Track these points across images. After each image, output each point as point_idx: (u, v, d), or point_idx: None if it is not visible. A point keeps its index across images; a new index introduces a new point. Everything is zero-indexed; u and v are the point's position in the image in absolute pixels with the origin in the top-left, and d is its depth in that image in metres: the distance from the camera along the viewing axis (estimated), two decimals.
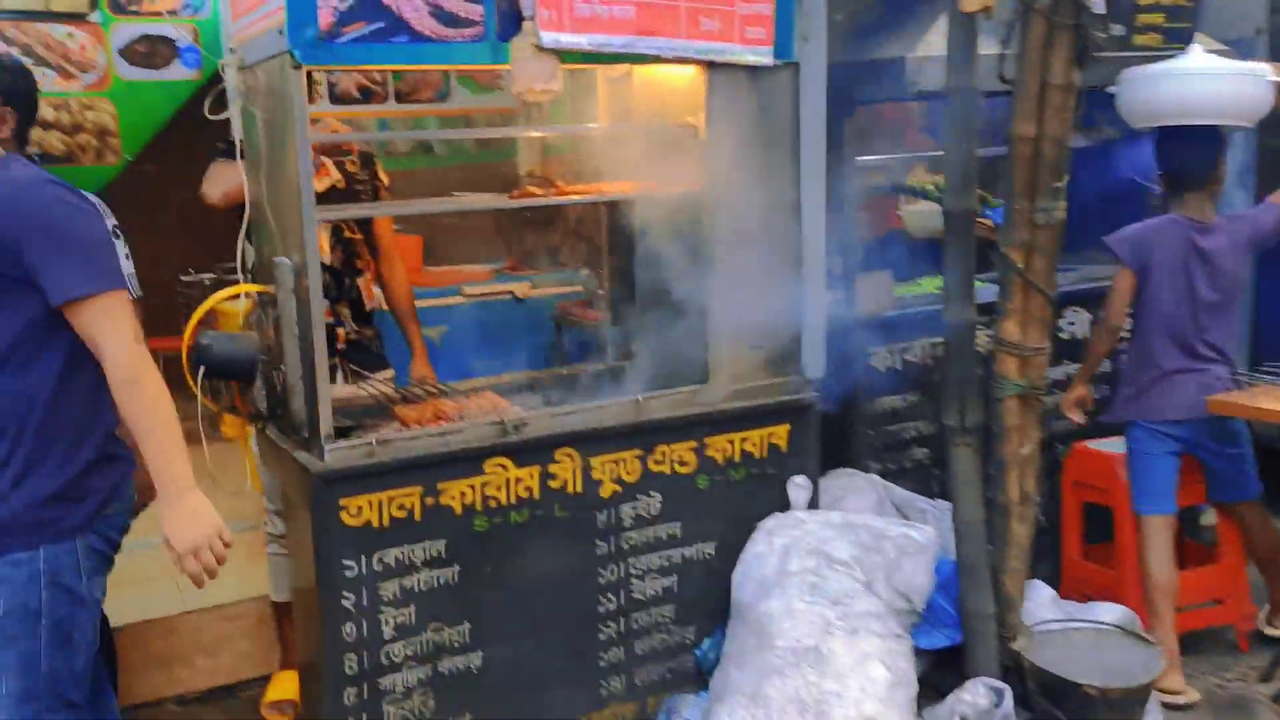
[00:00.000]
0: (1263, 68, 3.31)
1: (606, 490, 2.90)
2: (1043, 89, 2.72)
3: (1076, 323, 3.86)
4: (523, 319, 3.66)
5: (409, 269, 4.58)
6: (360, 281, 3.58)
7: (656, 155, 3.12)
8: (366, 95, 4.75)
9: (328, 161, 3.48)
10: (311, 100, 3.10)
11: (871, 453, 3.57)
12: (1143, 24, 3.51)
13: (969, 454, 2.98)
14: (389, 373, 3.66)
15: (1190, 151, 3.31)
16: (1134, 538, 3.45)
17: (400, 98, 4.80)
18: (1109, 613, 3.13)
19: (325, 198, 3.43)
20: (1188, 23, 3.60)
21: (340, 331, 3.49)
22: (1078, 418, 3.55)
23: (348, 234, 3.54)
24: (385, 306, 3.68)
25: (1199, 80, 3.26)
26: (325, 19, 2.41)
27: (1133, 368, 3.45)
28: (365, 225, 3.51)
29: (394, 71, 4.69)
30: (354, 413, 3.03)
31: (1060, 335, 3.83)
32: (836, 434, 3.58)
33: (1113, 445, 3.63)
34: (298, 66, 2.41)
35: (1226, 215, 3.40)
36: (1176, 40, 3.60)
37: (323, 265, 3.43)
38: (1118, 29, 3.48)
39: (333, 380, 3.46)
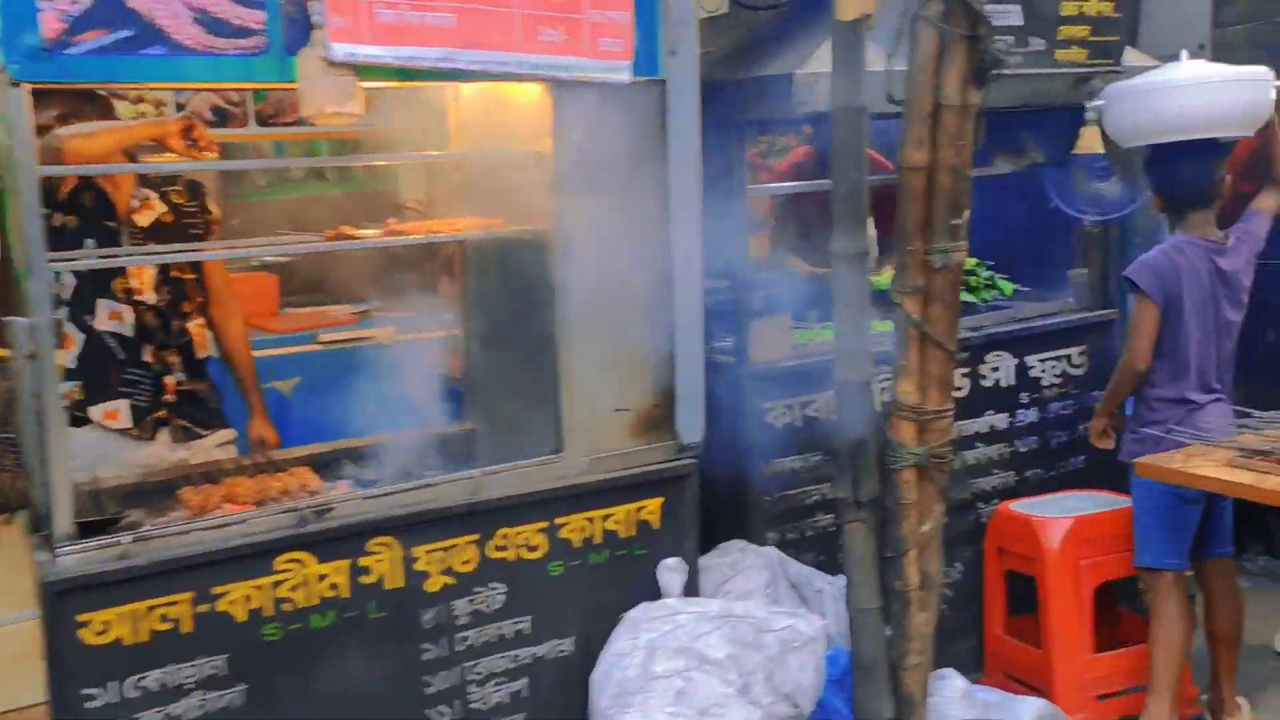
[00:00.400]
0: (1263, 71, 3.00)
1: (435, 584, 2.46)
2: (936, 110, 2.32)
3: (1001, 369, 3.47)
4: (389, 369, 3.22)
5: (262, 312, 4.13)
6: (192, 326, 3.14)
7: (508, 187, 2.70)
8: (222, 118, 4.30)
9: (151, 194, 3.06)
10: None
11: (768, 521, 3.15)
12: (1066, 38, 3.14)
13: (864, 532, 2.57)
14: (227, 434, 3.21)
15: (1192, 168, 3.01)
16: (1060, 612, 3.05)
17: (263, 120, 4.35)
18: (1028, 710, 2.73)
19: (152, 232, 3.01)
20: (1115, 36, 3.23)
21: (169, 381, 3.05)
22: (1107, 444, 3.18)
23: (174, 272, 3.10)
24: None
25: (1199, 91, 2.94)
26: (50, 25, 1.96)
27: (1152, 405, 3.05)
28: (196, 262, 3.07)
29: (253, 90, 4.26)
30: (148, 490, 2.57)
31: (982, 382, 3.44)
32: (729, 502, 3.16)
33: (1038, 506, 3.24)
34: (15, 84, 1.96)
35: (1234, 231, 3.07)
36: (1103, 56, 3.23)
37: (148, 305, 3.03)
38: (1037, 43, 3.10)
39: (152, 438, 3.03)
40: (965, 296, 3.62)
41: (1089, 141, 3.26)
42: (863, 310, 2.52)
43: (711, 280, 3.01)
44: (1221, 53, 4.28)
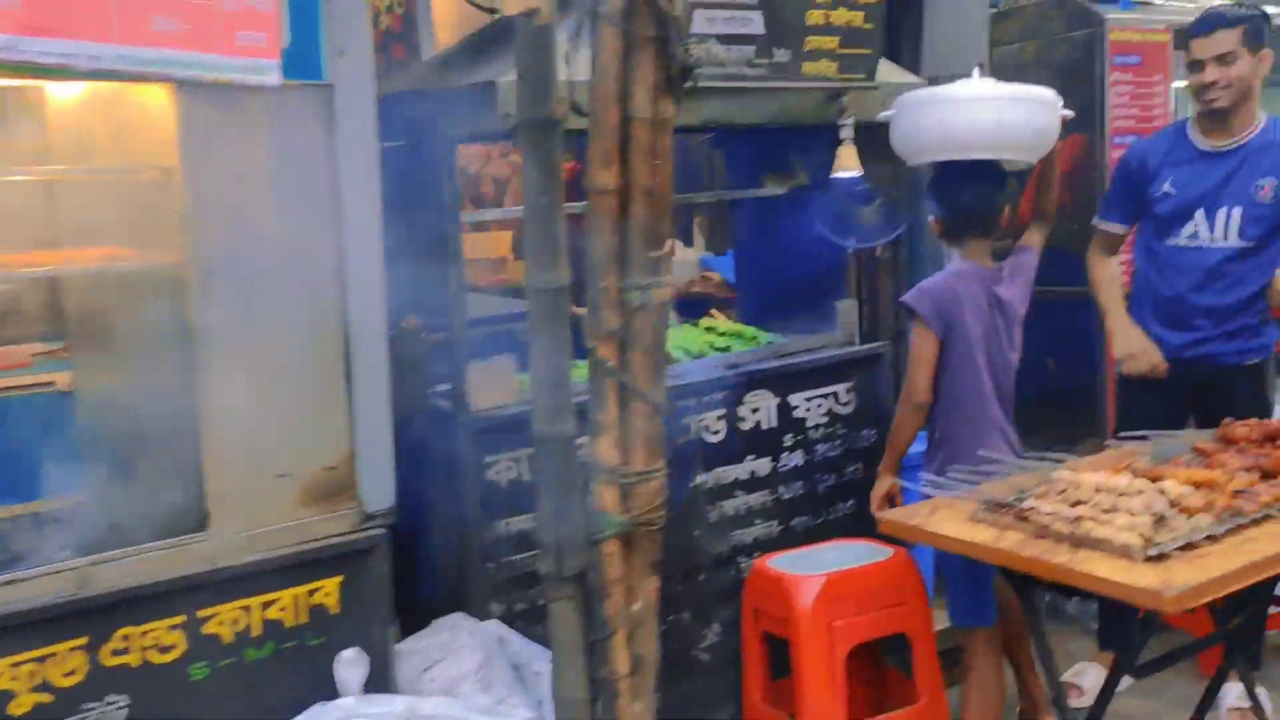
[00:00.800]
0: (1051, 94, 2.89)
1: (26, 702, 1.97)
2: (626, 124, 1.99)
3: (762, 410, 3.19)
4: (75, 420, 2.71)
5: None
6: None
7: (136, 212, 2.25)
8: None
9: None
10: None
11: (493, 591, 2.76)
12: (814, 49, 2.88)
13: (569, 612, 2.20)
14: None
15: (977, 191, 2.86)
16: (813, 676, 2.76)
17: None
18: None
19: None
20: (867, 49, 2.99)
21: None
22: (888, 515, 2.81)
23: None
24: None
25: (991, 106, 2.78)
26: None
27: (941, 448, 2.89)
28: None
29: None
30: None
31: (741, 425, 3.15)
32: (448, 570, 2.77)
33: (795, 561, 2.96)
34: None
35: (1006, 264, 2.94)
36: (855, 70, 3.00)
37: None
38: (782, 54, 2.84)
39: None
40: (731, 344, 3.36)
41: (846, 161, 3.03)
42: (562, 354, 2.17)
43: (424, 317, 2.63)
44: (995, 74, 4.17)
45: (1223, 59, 3.06)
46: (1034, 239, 3.02)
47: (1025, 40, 4.16)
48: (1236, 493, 2.31)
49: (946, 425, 2.89)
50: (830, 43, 2.90)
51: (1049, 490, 2.33)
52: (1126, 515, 2.14)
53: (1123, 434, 2.90)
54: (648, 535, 2.19)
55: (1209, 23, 3.11)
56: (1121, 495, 2.23)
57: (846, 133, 2.99)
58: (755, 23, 2.77)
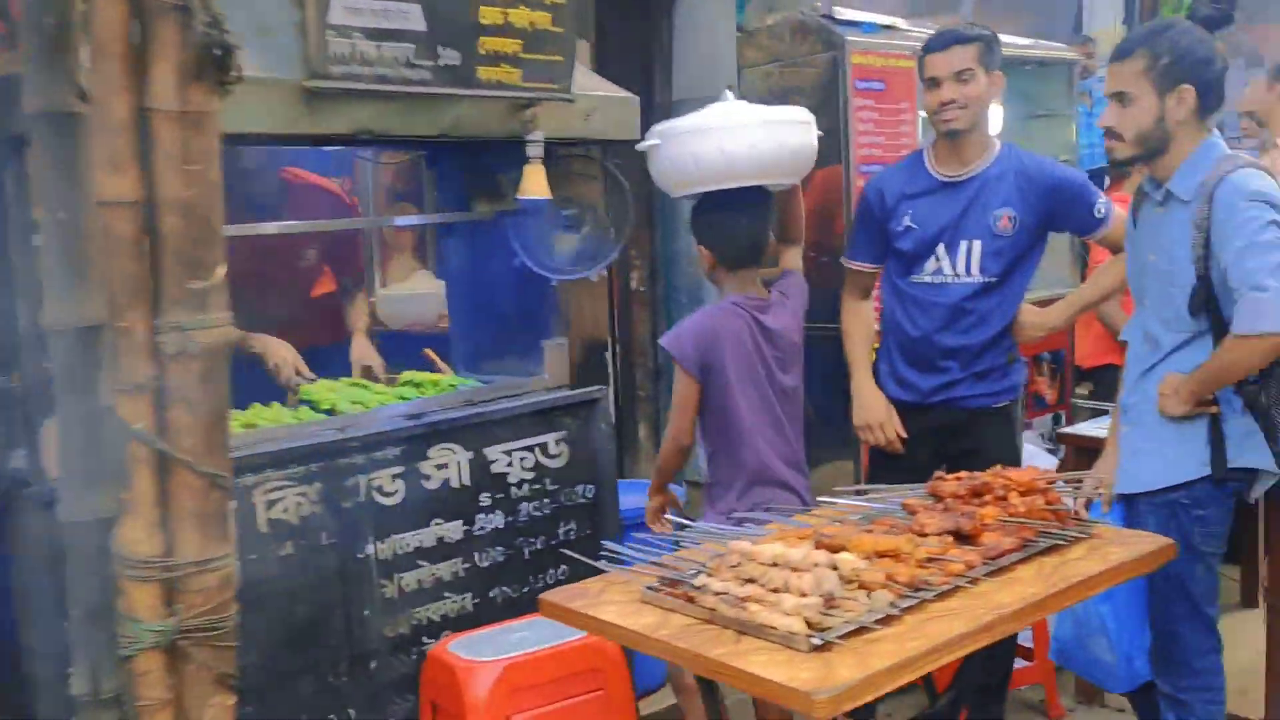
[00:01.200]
0: (805, 113, 2.85)
1: None
2: (146, 118, 1.54)
3: (451, 467, 2.76)
4: None
5: None
6: None
7: None
8: None
9: None
10: None
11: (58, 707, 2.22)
12: (491, 52, 2.51)
13: None
14: None
15: (748, 218, 2.78)
16: None
17: None
18: None
19: None
20: (558, 55, 2.65)
21: None
22: (664, 528, 2.81)
23: None
24: None
25: (755, 132, 2.71)
26: None
27: (712, 489, 2.80)
28: None
29: None
30: None
31: (426, 485, 2.71)
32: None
33: (479, 643, 2.54)
34: None
35: (775, 288, 2.87)
36: (545, 79, 2.64)
37: None
38: (450, 56, 2.45)
39: None
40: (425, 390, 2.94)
41: (533, 184, 2.66)
42: (95, 410, 1.69)
43: None
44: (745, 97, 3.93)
45: (960, 76, 2.85)
46: (792, 261, 2.95)
47: (771, 63, 3.93)
48: (930, 559, 2.02)
49: (714, 469, 2.80)
50: (511, 46, 2.54)
51: (722, 564, 1.99)
52: (796, 595, 1.82)
53: (853, 488, 2.62)
54: (209, 643, 1.72)
55: (946, 38, 2.90)
56: (795, 570, 1.90)
57: (534, 150, 2.62)
58: (413, 17, 2.38)
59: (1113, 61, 2.50)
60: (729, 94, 2.94)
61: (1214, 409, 2.45)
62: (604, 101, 2.84)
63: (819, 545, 2.06)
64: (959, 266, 2.95)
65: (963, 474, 2.42)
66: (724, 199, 2.77)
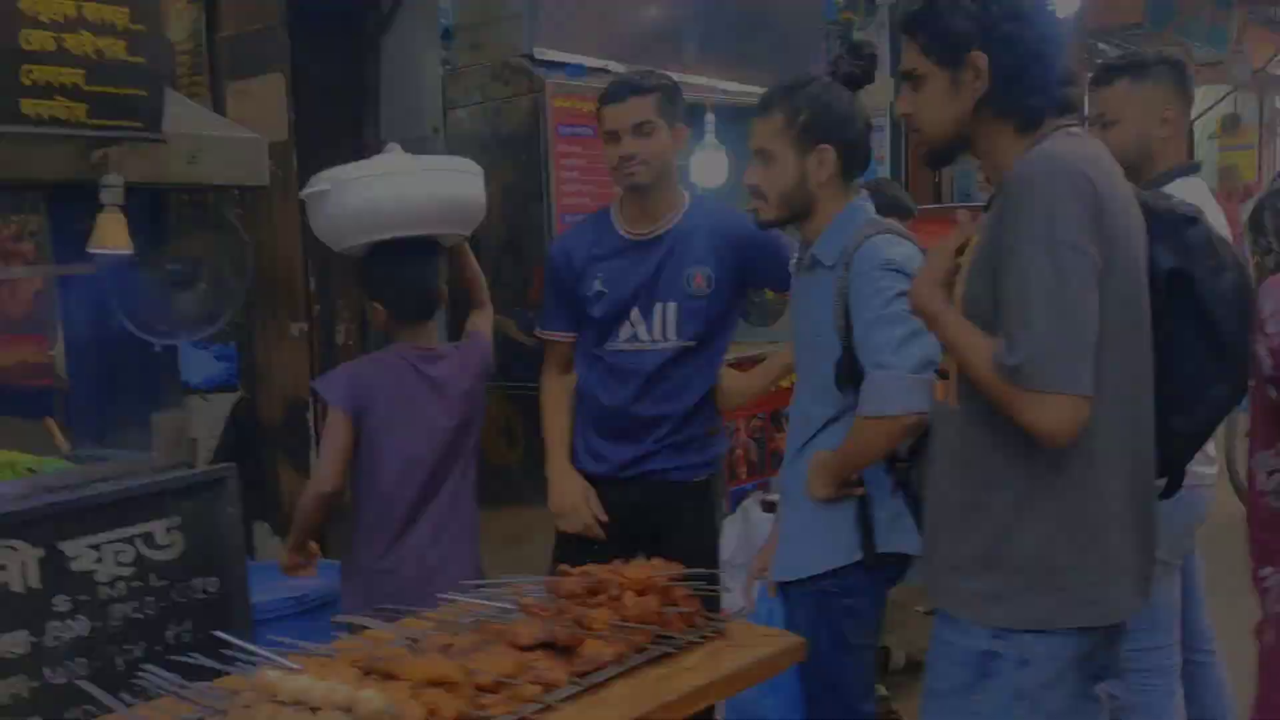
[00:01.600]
0: (468, 163, 2.83)
1: None
2: None
3: (12, 567, 2.32)
4: None
5: None
6: None
7: None
8: None
9: None
10: None
11: None
12: (39, 82, 2.13)
13: None
14: None
15: (410, 272, 2.68)
16: None
17: None
18: None
19: None
20: (141, 89, 2.29)
21: None
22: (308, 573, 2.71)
23: None
24: None
25: (411, 182, 2.64)
26: None
27: (364, 546, 2.68)
28: None
29: None
30: None
31: None
32: None
33: None
34: None
35: (456, 346, 2.85)
36: (122, 116, 2.28)
37: None
38: None
39: None
40: None
41: (109, 234, 2.29)
42: None
43: None
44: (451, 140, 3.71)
45: (640, 130, 2.64)
46: (477, 324, 2.89)
47: (477, 104, 3.68)
48: (502, 681, 1.74)
49: (360, 519, 2.67)
50: (70, 76, 2.17)
51: (234, 706, 1.65)
52: None
53: (474, 582, 2.32)
54: None
55: (621, 89, 2.67)
56: (315, 711, 1.59)
57: (108, 196, 2.26)
58: None
59: (755, 117, 2.33)
60: (397, 147, 2.81)
61: (859, 491, 2.28)
62: (218, 143, 2.50)
63: (369, 671, 1.75)
64: (655, 331, 2.72)
65: (590, 568, 2.16)
66: (391, 251, 2.66)
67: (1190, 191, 2.57)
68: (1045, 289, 1.59)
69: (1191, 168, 2.77)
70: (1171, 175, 2.69)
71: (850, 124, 2.25)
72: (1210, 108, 9.44)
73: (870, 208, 2.33)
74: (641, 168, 2.65)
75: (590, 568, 2.13)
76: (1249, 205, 6.13)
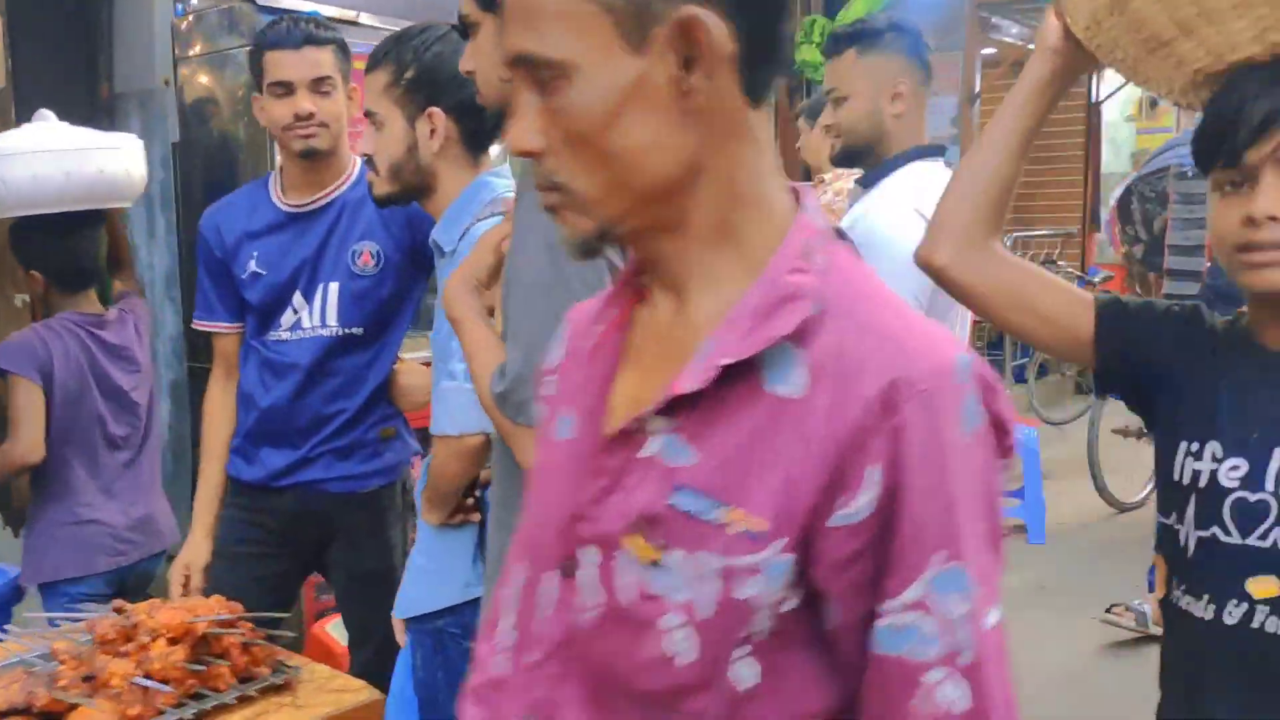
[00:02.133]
0: (129, 138, 2.74)
1: None
2: None
3: None
4: None
5: None
6: None
7: None
8: None
9: None
10: None
11: None
12: None
13: None
14: None
15: (69, 242, 2.62)
16: None
17: None
18: None
19: None
20: None
21: None
22: None
23: None
24: None
25: (53, 158, 2.53)
26: None
27: (44, 511, 2.63)
28: None
29: None
30: None
31: None
32: None
33: None
34: None
35: (118, 306, 2.79)
36: None
37: None
38: None
39: None
40: None
41: None
42: None
43: None
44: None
45: (319, 86, 2.27)
46: (126, 283, 2.88)
47: (205, 56, 3.31)
48: None
49: (41, 498, 2.63)
50: None
51: None
52: None
53: (46, 614, 2.00)
54: None
55: (296, 36, 2.27)
56: None
57: None
58: None
59: (365, 73, 1.97)
60: (52, 115, 2.67)
61: (474, 517, 1.96)
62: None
63: None
64: (315, 316, 2.37)
65: (127, 606, 1.83)
66: (45, 221, 2.57)
67: (927, 176, 2.26)
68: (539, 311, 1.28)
69: (932, 150, 2.45)
70: (909, 157, 2.37)
71: (466, 85, 1.88)
72: (1121, 86, 9.15)
73: (503, 184, 1.97)
74: (321, 131, 2.29)
75: (127, 606, 1.81)
76: (1117, 192, 5.74)
